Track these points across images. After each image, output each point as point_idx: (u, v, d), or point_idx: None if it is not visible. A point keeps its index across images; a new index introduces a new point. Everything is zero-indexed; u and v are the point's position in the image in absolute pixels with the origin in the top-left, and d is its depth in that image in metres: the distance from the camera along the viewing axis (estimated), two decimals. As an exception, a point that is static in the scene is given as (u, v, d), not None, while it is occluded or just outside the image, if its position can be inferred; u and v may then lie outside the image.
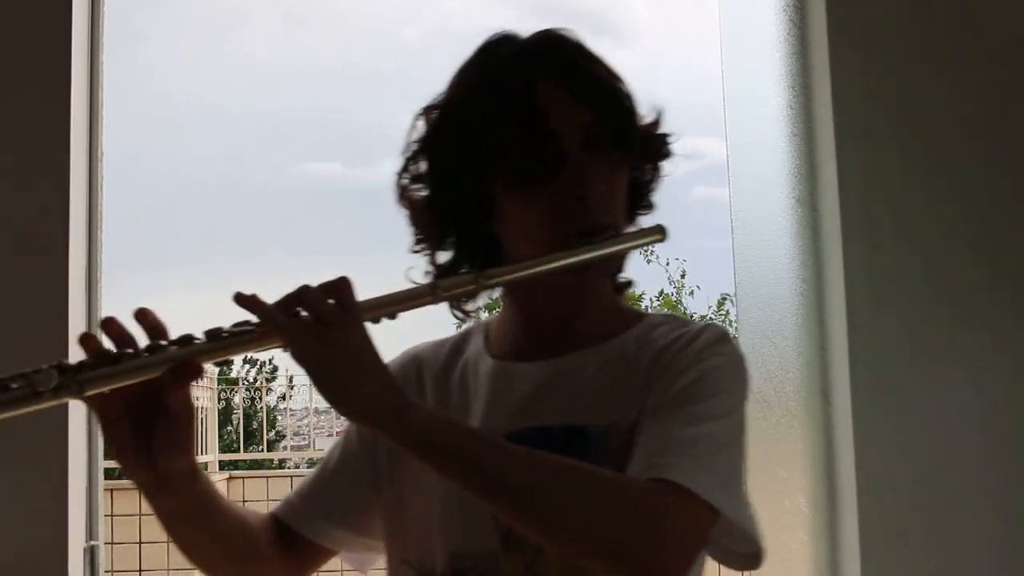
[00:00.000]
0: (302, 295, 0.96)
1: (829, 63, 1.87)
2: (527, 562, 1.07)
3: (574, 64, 1.10)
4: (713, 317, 14.41)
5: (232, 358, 0.99)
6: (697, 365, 1.06)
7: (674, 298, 14.15)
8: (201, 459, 7.68)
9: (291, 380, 9.84)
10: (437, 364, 1.21)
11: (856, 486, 1.78)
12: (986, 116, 1.88)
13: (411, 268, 1.15)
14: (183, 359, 0.95)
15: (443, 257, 1.14)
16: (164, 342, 0.96)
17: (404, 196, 1.15)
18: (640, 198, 1.17)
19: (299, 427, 10.69)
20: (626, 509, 0.96)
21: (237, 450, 9.34)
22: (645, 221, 1.17)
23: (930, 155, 1.87)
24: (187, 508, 1.05)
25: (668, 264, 14.10)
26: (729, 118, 2.22)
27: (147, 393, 0.97)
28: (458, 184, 1.10)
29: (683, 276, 14.12)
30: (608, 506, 0.96)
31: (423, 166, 1.13)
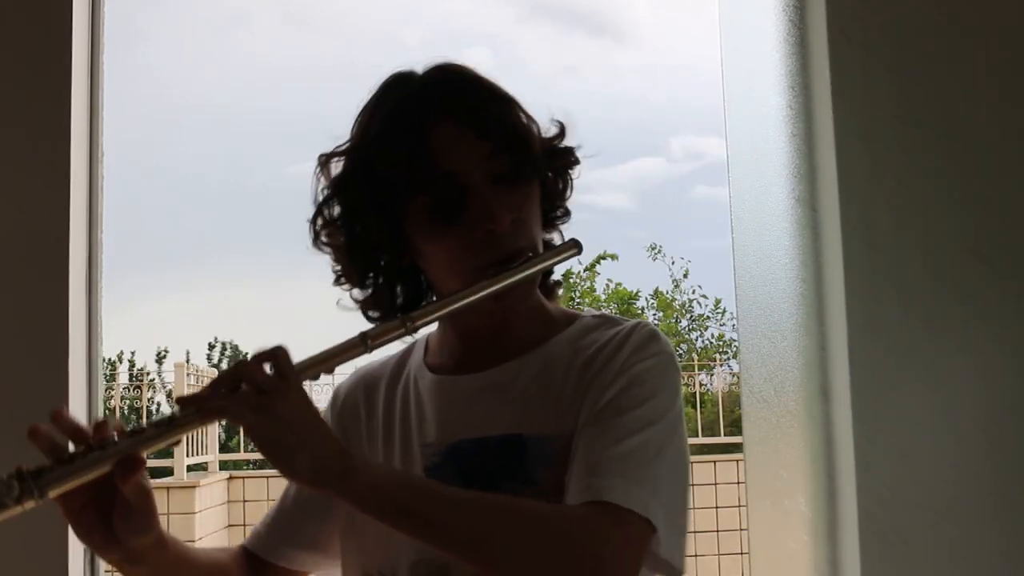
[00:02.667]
0: (239, 370, 1.00)
1: (829, 63, 1.87)
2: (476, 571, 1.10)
3: (468, 100, 1.13)
4: (710, 316, 14.40)
5: (181, 439, 1.04)
6: (626, 372, 1.09)
7: (669, 296, 14.14)
8: (201, 459, 7.68)
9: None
10: (383, 381, 1.25)
11: (856, 486, 1.78)
12: (986, 116, 1.88)
13: (340, 300, 1.20)
14: (129, 452, 0.99)
15: (366, 291, 1.19)
16: (115, 435, 1.00)
17: (319, 239, 1.19)
18: (554, 208, 1.21)
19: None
20: (568, 542, 1.00)
21: (237, 450, 9.34)
22: (565, 228, 1.22)
23: (930, 155, 1.87)
24: (163, 573, 1.09)
25: (673, 263, 14.13)
26: (729, 118, 2.22)
27: (104, 481, 1.00)
28: (372, 228, 1.14)
29: (686, 275, 14.14)
30: (551, 542, 1.00)
31: (335, 210, 1.17)
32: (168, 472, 7.25)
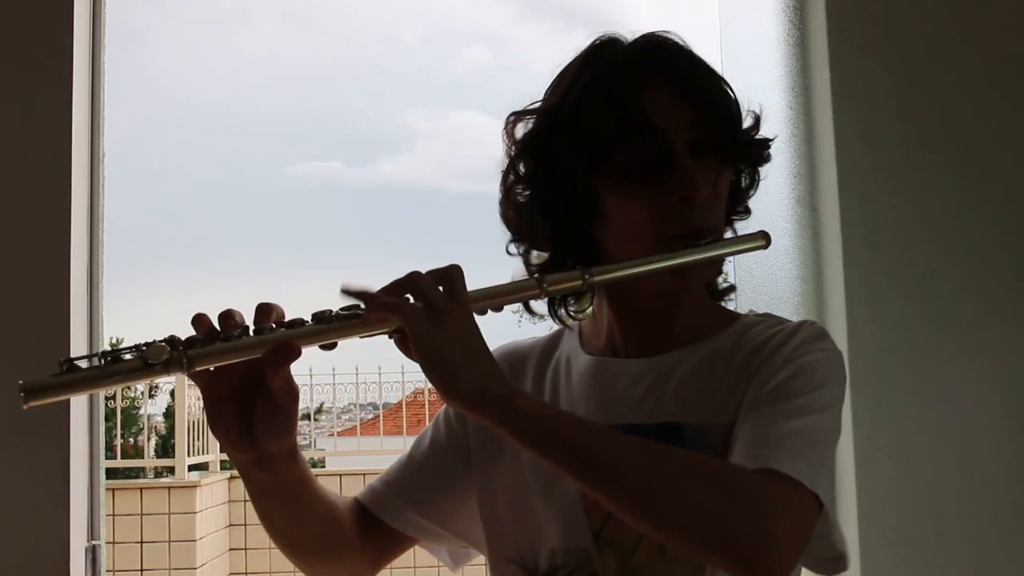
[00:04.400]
0: (413, 281, 0.97)
1: (829, 63, 1.87)
2: (621, 560, 1.07)
3: (681, 67, 1.10)
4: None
5: (337, 342, 0.98)
6: (795, 360, 1.06)
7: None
8: (202, 459, 7.68)
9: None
10: (532, 358, 1.21)
11: (856, 486, 1.78)
12: (986, 116, 1.88)
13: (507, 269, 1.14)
14: (285, 340, 0.95)
15: (539, 257, 1.14)
16: (273, 325, 0.96)
17: (508, 196, 1.15)
18: (738, 202, 1.17)
19: (299, 427, 10.69)
20: (738, 499, 0.94)
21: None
22: (740, 226, 1.17)
23: (930, 155, 1.87)
24: (282, 487, 1.05)
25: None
26: (729, 118, 2.22)
27: (251, 374, 0.97)
28: (565, 183, 1.10)
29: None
30: (719, 496, 0.93)
31: (526, 166, 1.13)
32: (169, 472, 7.25)
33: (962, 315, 1.84)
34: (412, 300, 0.96)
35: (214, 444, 8.05)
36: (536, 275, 1.05)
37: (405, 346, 0.97)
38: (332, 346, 0.99)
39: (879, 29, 1.89)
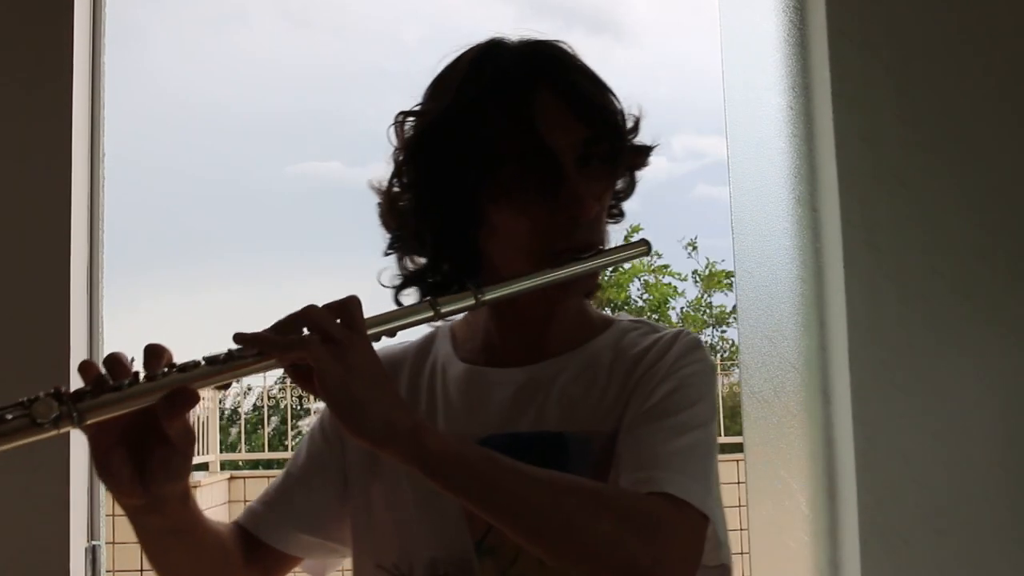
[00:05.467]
0: (308, 315, 0.94)
1: (829, 63, 1.87)
2: (501, 568, 1.08)
3: (571, 79, 1.10)
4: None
5: (231, 382, 0.95)
6: (674, 375, 1.08)
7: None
8: (202, 459, 7.68)
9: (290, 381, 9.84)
10: (406, 366, 1.20)
11: (856, 486, 1.78)
12: (986, 116, 1.88)
13: (384, 270, 1.15)
14: (180, 385, 0.92)
15: (416, 263, 1.14)
16: (165, 369, 0.93)
17: (388, 200, 1.14)
18: (614, 206, 1.18)
19: (294, 423, 10.69)
20: (635, 526, 0.97)
21: (238, 450, 9.34)
22: (613, 229, 1.18)
23: (930, 155, 1.87)
24: (173, 528, 1.02)
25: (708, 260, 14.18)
26: (729, 118, 2.22)
27: (142, 420, 0.93)
28: (449, 192, 1.09)
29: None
30: (618, 525, 0.97)
31: (410, 171, 1.12)
32: (169, 472, 7.24)
33: (962, 315, 1.83)
34: (307, 333, 0.94)
35: (214, 444, 8.05)
36: (428, 299, 1.04)
37: (301, 380, 0.94)
38: (227, 387, 0.97)
39: (879, 29, 1.89)
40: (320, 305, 0.95)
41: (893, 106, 1.87)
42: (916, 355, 1.82)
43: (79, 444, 1.88)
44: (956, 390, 1.83)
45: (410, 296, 1.14)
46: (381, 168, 1.17)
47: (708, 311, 14.57)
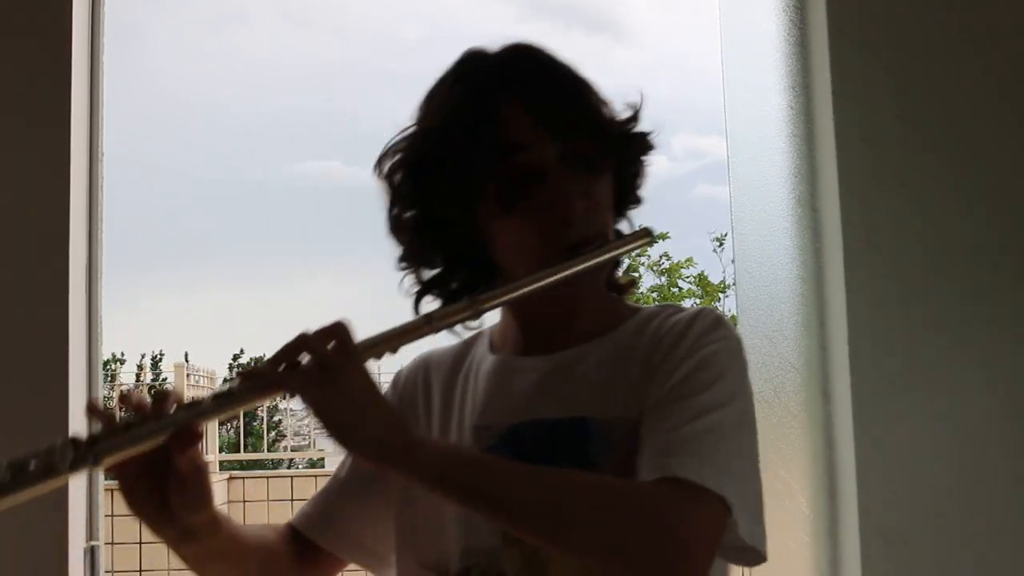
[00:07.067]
0: (302, 343, 0.99)
1: (829, 63, 1.87)
2: (526, 557, 1.08)
3: (542, 83, 1.12)
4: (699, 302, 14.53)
5: (238, 414, 1.03)
6: (695, 353, 1.07)
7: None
8: (201, 459, 7.68)
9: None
10: (444, 366, 1.24)
11: (856, 486, 1.78)
12: (986, 116, 1.88)
13: (404, 279, 1.18)
14: (186, 423, 0.97)
15: (430, 273, 1.17)
16: (174, 407, 0.99)
17: (391, 219, 1.17)
18: (627, 195, 1.19)
19: (299, 427, 10.70)
20: (642, 516, 0.98)
21: (238, 450, 9.35)
22: (636, 215, 1.19)
23: (930, 155, 1.87)
24: (212, 554, 1.07)
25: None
26: (729, 118, 2.22)
27: (159, 455, 0.99)
28: (444, 209, 1.12)
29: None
30: (624, 516, 0.98)
31: (407, 190, 1.15)
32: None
33: (962, 315, 1.83)
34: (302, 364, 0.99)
35: (213, 445, 8.05)
36: (424, 314, 1.06)
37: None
38: (234, 418, 1.03)
39: (879, 29, 1.88)
40: (311, 332, 0.99)
41: (893, 106, 1.87)
42: (916, 355, 1.82)
43: (78, 444, 1.88)
44: (957, 390, 1.82)
45: (429, 304, 1.17)
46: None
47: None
